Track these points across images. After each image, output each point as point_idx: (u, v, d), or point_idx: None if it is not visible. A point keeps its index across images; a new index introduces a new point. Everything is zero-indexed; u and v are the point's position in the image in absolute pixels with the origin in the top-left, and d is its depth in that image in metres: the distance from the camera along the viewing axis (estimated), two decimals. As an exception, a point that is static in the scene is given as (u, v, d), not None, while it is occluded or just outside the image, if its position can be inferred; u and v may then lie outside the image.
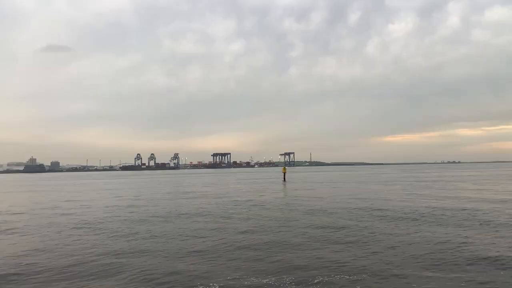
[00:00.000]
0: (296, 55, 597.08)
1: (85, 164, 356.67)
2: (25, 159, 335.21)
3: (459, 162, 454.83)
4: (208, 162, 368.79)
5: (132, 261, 9.65)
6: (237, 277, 8.16)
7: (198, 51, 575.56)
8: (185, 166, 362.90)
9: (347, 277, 7.98)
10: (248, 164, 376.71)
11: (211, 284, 7.74)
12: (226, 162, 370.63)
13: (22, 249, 11.39)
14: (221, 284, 7.69)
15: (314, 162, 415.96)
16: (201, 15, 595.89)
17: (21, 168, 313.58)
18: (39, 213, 20.59)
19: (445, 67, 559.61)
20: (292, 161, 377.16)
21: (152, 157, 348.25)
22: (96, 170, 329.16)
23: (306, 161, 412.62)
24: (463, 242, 10.85)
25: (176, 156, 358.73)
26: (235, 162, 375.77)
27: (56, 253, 10.76)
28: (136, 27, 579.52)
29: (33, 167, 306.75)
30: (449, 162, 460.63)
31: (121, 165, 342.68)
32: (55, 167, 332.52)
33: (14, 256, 10.50)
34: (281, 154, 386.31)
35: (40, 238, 13.21)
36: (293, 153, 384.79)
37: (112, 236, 13.08)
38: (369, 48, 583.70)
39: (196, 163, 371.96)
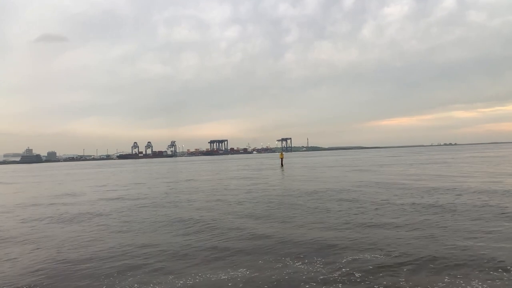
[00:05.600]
0: (292, 41, 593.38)
1: (82, 154, 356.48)
2: (21, 150, 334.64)
3: (455, 144, 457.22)
4: (205, 149, 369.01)
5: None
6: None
7: (193, 38, 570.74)
8: (182, 154, 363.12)
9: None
10: (245, 151, 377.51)
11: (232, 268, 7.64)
12: (223, 149, 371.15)
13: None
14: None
15: (311, 147, 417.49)
16: (196, 1, 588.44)
17: (18, 159, 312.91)
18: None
19: (441, 50, 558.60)
20: (289, 147, 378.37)
21: (149, 145, 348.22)
22: (93, 159, 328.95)
23: (303, 146, 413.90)
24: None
25: (173, 144, 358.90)
26: (232, 149, 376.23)
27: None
28: (130, 15, 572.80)
29: (29, 158, 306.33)
30: (445, 144, 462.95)
31: (118, 154, 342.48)
32: (51, 157, 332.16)
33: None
34: (278, 140, 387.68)
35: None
36: (290, 138, 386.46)
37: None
38: (365, 32, 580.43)
39: (193, 150, 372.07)
